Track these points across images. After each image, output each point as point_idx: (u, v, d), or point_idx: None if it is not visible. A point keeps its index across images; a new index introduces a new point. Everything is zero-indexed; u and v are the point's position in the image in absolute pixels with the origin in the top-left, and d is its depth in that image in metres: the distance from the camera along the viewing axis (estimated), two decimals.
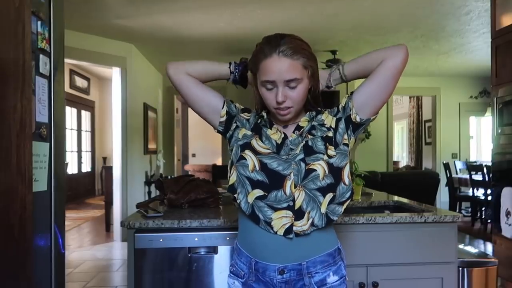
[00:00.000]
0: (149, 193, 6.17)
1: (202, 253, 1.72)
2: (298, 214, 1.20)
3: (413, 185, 5.29)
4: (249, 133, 1.30)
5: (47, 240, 1.31)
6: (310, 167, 1.21)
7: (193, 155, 10.94)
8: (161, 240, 1.70)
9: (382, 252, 1.82)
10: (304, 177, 1.20)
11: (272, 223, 1.20)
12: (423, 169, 9.09)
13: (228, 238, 1.70)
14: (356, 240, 1.81)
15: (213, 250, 1.72)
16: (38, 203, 1.21)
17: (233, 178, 1.26)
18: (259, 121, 1.33)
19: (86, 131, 9.86)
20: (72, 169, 9.01)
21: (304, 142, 1.25)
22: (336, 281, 1.24)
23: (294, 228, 1.20)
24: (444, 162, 6.82)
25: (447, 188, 6.76)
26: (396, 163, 9.66)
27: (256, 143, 1.27)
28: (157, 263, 1.70)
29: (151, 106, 6.62)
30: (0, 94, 0.94)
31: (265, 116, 1.31)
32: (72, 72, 8.46)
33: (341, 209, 1.24)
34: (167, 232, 1.72)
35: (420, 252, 1.83)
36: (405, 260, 1.83)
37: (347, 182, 1.23)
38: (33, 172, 1.11)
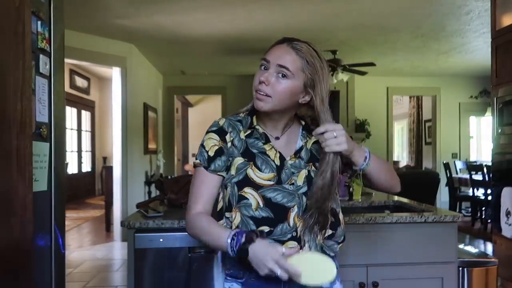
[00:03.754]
0: (149, 193, 6.17)
1: (202, 253, 1.72)
2: (301, 243, 1.21)
3: (413, 185, 5.29)
4: (240, 160, 1.22)
5: (47, 240, 1.31)
6: None
7: (193, 155, 10.94)
8: (161, 240, 1.70)
9: (382, 252, 1.82)
10: (304, 210, 1.20)
11: None
12: (423, 169, 9.09)
13: None
14: (356, 240, 1.81)
15: (213, 250, 1.72)
16: (38, 203, 1.21)
17: (236, 220, 1.20)
18: (251, 135, 1.24)
19: (86, 131, 9.86)
20: (72, 169, 9.01)
21: (307, 172, 1.23)
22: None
23: None
24: (444, 162, 6.82)
25: (447, 188, 6.76)
26: (396, 163, 9.66)
27: (253, 173, 1.20)
28: (157, 263, 1.70)
29: (151, 106, 6.63)
30: (0, 94, 0.94)
31: (260, 129, 1.25)
32: (72, 72, 8.46)
33: (338, 248, 1.28)
34: (167, 232, 1.72)
35: (420, 252, 1.84)
36: (405, 260, 1.83)
37: (343, 226, 1.30)
38: (33, 172, 1.10)
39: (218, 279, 1.71)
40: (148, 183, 6.22)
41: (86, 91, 9.44)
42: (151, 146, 6.64)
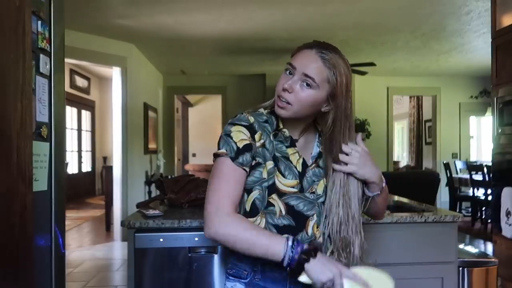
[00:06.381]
0: (149, 192, 6.17)
1: (202, 253, 1.72)
2: None
3: (413, 185, 5.29)
4: (271, 164, 1.17)
5: (47, 240, 1.31)
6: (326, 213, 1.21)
7: (193, 155, 10.93)
8: (161, 239, 1.70)
9: (382, 252, 1.82)
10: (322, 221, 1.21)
11: None
12: (423, 169, 9.09)
13: None
14: None
15: (213, 250, 1.72)
16: (38, 203, 1.21)
17: (260, 226, 1.17)
18: (275, 137, 1.21)
19: (86, 130, 9.86)
20: (72, 168, 9.01)
21: (326, 182, 1.22)
22: None
23: None
24: (444, 162, 6.82)
25: (447, 188, 6.76)
26: (396, 163, 9.66)
27: (278, 181, 1.17)
28: (157, 263, 1.70)
29: (151, 105, 6.63)
30: (0, 94, 0.94)
31: (287, 132, 1.21)
32: (73, 72, 8.46)
33: None
34: (167, 232, 1.72)
35: (420, 252, 1.83)
36: (405, 260, 1.83)
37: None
38: (33, 172, 1.10)
39: (218, 279, 1.71)
40: (148, 183, 6.22)
41: (86, 91, 9.44)
42: (151, 146, 6.64)
